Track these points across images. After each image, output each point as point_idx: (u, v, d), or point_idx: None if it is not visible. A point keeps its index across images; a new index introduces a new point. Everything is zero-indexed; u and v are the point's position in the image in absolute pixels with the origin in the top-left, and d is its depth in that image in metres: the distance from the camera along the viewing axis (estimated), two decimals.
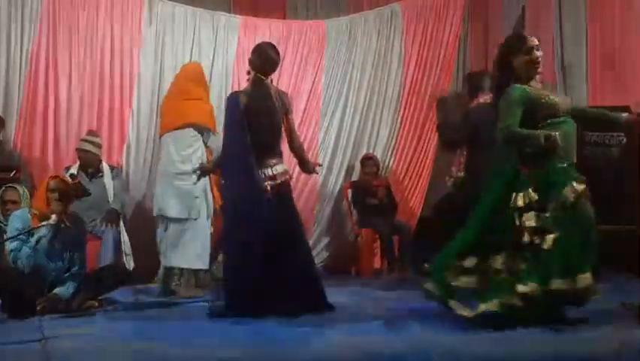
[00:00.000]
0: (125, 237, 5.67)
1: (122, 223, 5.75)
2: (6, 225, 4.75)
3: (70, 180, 4.78)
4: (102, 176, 5.86)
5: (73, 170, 5.72)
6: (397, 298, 5.02)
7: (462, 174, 5.52)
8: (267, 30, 6.91)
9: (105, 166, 5.93)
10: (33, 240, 4.41)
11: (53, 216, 4.43)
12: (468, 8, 7.43)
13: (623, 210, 6.03)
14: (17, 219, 4.54)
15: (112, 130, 6.35)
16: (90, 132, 6.01)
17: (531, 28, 7.09)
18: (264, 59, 4.42)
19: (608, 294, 4.95)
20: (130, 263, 5.54)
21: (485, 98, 5.28)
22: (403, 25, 7.16)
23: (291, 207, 4.49)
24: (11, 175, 5.51)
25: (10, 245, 4.45)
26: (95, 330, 3.80)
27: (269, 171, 4.33)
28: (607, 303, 4.46)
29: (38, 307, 4.12)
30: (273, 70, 4.50)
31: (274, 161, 4.38)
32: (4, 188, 5.26)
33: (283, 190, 4.40)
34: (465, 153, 5.50)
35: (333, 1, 7.81)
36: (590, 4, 6.63)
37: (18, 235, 4.39)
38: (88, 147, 5.83)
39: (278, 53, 4.53)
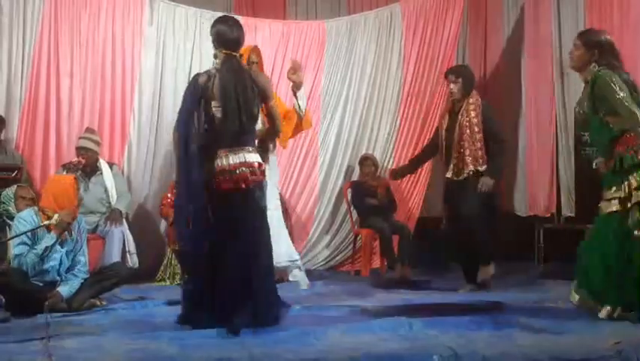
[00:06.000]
0: (129, 236, 5.69)
1: (125, 223, 5.76)
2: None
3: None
4: (101, 174, 5.86)
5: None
6: (397, 297, 5.04)
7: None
8: (267, 30, 6.92)
9: (103, 164, 5.93)
10: (39, 248, 4.35)
11: (56, 216, 4.42)
12: (468, 8, 7.45)
13: None
14: (23, 223, 4.42)
15: (113, 130, 6.37)
16: (88, 130, 6.00)
17: (530, 28, 7.11)
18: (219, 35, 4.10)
19: None
20: (135, 261, 5.55)
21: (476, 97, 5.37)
22: (403, 26, 7.17)
23: (244, 205, 3.78)
24: (13, 175, 5.48)
25: (15, 250, 4.39)
26: (96, 329, 3.82)
27: (218, 163, 3.75)
28: None
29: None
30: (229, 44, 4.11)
31: (226, 151, 3.76)
32: (16, 186, 5.19)
33: (240, 186, 3.76)
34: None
35: (333, 1, 7.82)
36: (588, 5, 6.63)
37: (20, 234, 4.35)
38: (88, 144, 5.81)
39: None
